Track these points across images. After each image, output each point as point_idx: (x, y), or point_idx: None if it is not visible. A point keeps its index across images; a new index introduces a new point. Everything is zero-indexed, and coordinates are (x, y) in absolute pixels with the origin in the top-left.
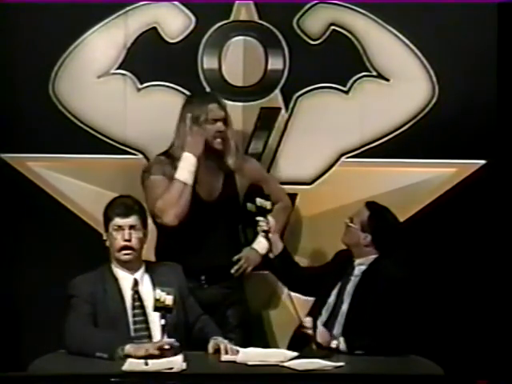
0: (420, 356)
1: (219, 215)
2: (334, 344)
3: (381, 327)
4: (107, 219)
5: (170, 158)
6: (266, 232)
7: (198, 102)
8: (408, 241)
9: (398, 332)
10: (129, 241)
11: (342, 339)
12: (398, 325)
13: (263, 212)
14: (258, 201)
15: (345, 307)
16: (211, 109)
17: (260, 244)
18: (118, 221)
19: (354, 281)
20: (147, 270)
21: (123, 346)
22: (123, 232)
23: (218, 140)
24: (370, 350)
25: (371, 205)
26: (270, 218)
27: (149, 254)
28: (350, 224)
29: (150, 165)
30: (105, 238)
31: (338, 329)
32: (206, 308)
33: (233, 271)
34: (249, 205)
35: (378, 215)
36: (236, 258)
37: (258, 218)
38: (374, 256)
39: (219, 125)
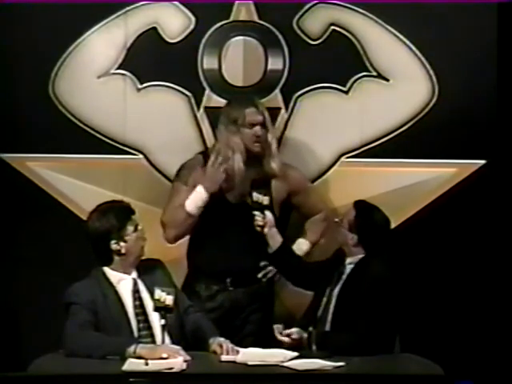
0: (420, 356)
1: (249, 218)
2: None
3: (359, 327)
4: (120, 227)
5: (208, 158)
6: (261, 227)
7: (236, 106)
8: (408, 241)
9: (373, 332)
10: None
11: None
12: (375, 325)
13: (259, 207)
14: (255, 195)
15: (332, 306)
16: (248, 113)
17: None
18: (135, 224)
19: (343, 279)
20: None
21: (135, 348)
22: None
23: (257, 144)
24: (336, 351)
25: (359, 204)
26: (267, 212)
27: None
28: (339, 224)
29: (183, 167)
30: (118, 247)
31: (327, 327)
32: (229, 310)
33: (260, 275)
34: (247, 199)
35: (364, 215)
36: (264, 262)
37: (254, 213)
38: (362, 255)
39: (257, 129)
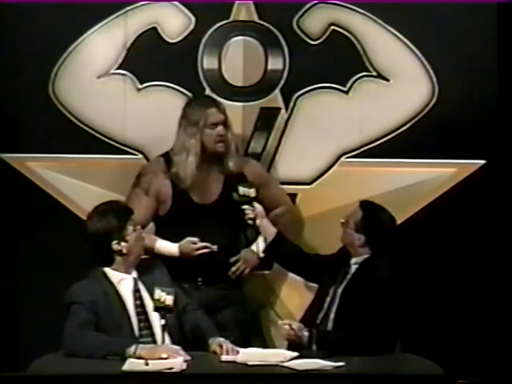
0: (420, 356)
1: (217, 217)
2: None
3: (361, 327)
4: (121, 227)
5: (169, 161)
6: (253, 219)
7: (197, 107)
8: (408, 241)
9: (375, 332)
10: None
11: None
12: (378, 325)
13: (247, 200)
14: (241, 189)
15: (336, 305)
16: (211, 113)
17: (259, 246)
18: (134, 224)
19: (347, 279)
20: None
21: (135, 348)
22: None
23: (220, 144)
24: (337, 351)
25: (365, 204)
26: (256, 204)
27: None
28: (345, 225)
29: (143, 172)
30: (119, 247)
31: (330, 326)
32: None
33: (230, 273)
34: (234, 194)
35: (371, 215)
36: (234, 259)
37: (244, 207)
38: (367, 256)
39: (219, 129)
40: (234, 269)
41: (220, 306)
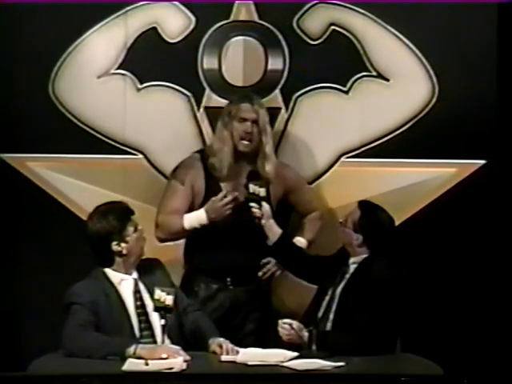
0: (420, 356)
1: (248, 216)
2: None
3: (361, 327)
4: (121, 228)
5: (205, 154)
6: (259, 219)
7: (236, 99)
8: (408, 241)
9: (374, 332)
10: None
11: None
12: (377, 325)
13: (256, 198)
14: (251, 187)
15: (335, 305)
16: (242, 107)
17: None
18: (135, 225)
19: (346, 279)
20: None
21: (135, 348)
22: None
23: (244, 142)
24: (337, 351)
25: (363, 204)
26: (264, 204)
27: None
28: (344, 224)
29: (179, 165)
30: (119, 248)
31: (329, 326)
32: (229, 310)
33: (260, 274)
34: (244, 191)
35: (369, 215)
36: (264, 261)
37: (251, 205)
38: (366, 255)
39: (247, 125)
40: (263, 270)
41: (246, 309)
